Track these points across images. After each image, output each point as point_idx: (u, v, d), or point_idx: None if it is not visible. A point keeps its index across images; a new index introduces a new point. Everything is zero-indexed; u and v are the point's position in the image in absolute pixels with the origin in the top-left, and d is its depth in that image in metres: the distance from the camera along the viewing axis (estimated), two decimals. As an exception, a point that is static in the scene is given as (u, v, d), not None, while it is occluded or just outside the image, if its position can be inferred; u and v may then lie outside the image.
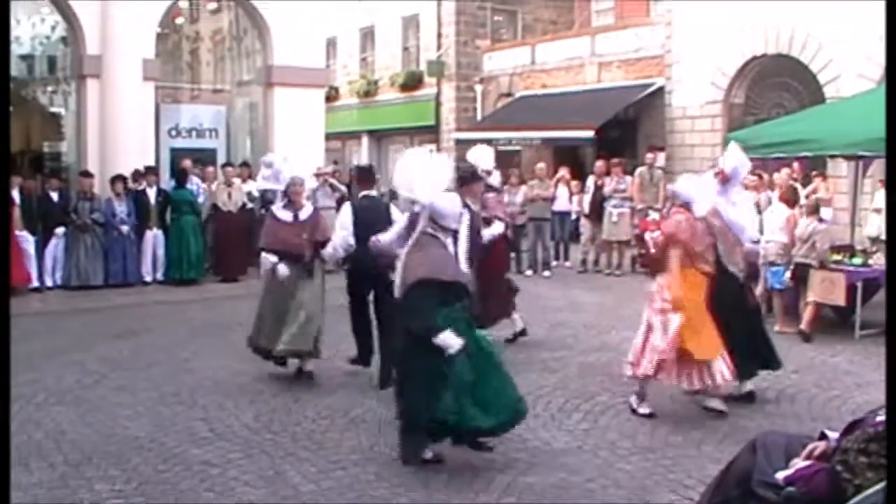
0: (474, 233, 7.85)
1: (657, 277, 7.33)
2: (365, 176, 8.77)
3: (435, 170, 6.19)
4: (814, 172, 15.00)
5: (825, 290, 10.24)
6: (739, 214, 7.67)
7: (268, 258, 8.20)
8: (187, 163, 15.56)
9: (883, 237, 12.43)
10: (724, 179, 7.66)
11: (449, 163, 6.60)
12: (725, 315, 7.16)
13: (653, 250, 7.70)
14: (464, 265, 7.15)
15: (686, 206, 7.39)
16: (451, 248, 6.36)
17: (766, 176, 13.38)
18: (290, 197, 8.38)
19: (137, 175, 14.74)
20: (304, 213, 8.39)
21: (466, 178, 7.91)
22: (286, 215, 8.33)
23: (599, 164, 16.84)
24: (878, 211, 13.61)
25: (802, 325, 10.29)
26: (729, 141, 12.42)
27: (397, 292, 6.00)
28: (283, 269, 8.12)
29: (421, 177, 6.06)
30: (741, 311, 7.50)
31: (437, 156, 6.52)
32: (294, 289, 8.17)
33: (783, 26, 18.11)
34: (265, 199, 14.65)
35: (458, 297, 5.92)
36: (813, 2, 17.09)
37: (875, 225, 13.49)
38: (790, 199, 11.33)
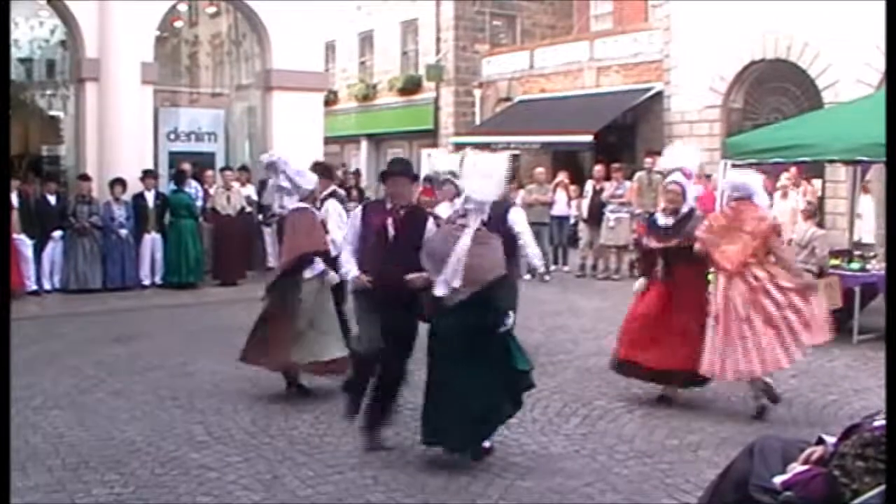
0: None
1: (755, 271, 7.14)
2: (326, 173, 8.85)
3: (499, 170, 6.33)
4: (802, 176, 15.00)
5: (829, 296, 10.24)
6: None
7: (319, 263, 7.76)
8: (187, 166, 15.57)
9: (864, 241, 12.52)
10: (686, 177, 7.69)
11: (506, 163, 6.65)
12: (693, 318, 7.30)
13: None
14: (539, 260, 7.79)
15: (749, 198, 7.38)
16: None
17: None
18: (317, 197, 8.22)
19: (145, 176, 14.79)
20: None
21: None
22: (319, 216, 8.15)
23: (599, 168, 16.83)
24: (859, 216, 13.71)
25: None
26: (728, 146, 12.49)
27: (457, 292, 5.93)
28: (334, 276, 7.75)
29: (488, 176, 6.18)
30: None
31: (497, 155, 6.86)
32: (327, 294, 7.91)
33: (782, 31, 18.14)
34: (263, 205, 14.70)
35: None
36: (812, 7, 17.11)
37: (856, 231, 13.60)
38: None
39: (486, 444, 6.20)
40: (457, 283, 5.92)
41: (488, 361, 5.91)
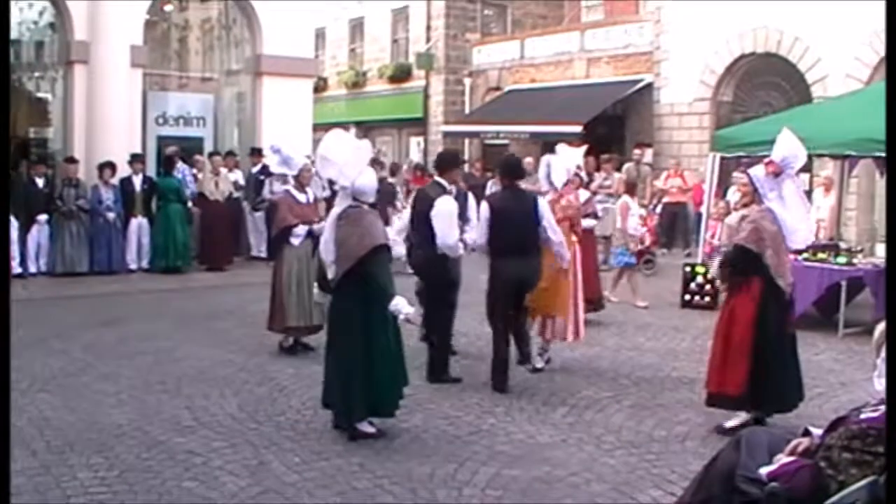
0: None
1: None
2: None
3: (355, 151, 6.58)
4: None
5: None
6: (792, 214, 6.55)
7: (301, 229, 8.71)
8: (172, 149, 15.50)
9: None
10: (776, 172, 6.52)
11: (366, 145, 6.99)
12: (765, 336, 6.46)
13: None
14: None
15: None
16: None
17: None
18: (301, 181, 8.95)
19: (133, 160, 14.71)
20: (311, 195, 9.13)
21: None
22: (301, 196, 8.94)
23: (588, 159, 16.81)
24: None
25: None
26: (717, 139, 12.51)
27: (340, 265, 6.33)
28: (318, 228, 8.28)
29: (343, 158, 6.42)
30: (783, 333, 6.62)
31: (353, 138, 7.16)
32: (309, 263, 8.63)
33: (772, 26, 18.16)
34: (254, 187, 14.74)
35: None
36: (802, 2, 17.13)
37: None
38: (631, 191, 13.21)
39: (370, 428, 6.39)
40: (330, 260, 6.46)
41: (367, 335, 6.25)
